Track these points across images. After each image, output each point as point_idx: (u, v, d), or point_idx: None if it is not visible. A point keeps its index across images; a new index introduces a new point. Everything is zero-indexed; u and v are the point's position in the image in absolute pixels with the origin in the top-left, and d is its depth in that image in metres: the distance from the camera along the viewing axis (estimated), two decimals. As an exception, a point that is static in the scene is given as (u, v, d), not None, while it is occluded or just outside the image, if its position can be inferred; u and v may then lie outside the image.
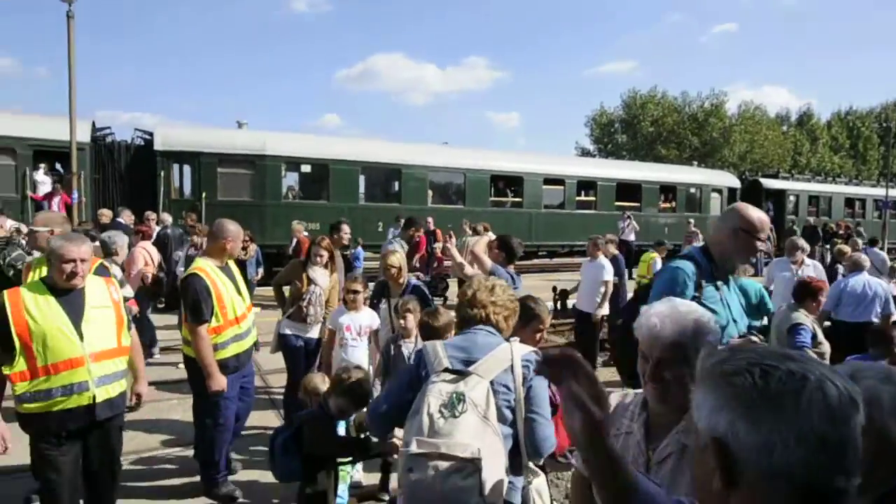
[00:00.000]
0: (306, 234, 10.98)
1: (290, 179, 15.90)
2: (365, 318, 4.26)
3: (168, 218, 10.79)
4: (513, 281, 4.55)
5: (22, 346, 2.67)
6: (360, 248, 13.08)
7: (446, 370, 2.00)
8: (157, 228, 9.64)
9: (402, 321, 3.67)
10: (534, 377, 2.02)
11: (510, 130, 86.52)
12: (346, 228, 5.76)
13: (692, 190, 20.98)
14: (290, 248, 11.33)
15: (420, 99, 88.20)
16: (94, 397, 2.79)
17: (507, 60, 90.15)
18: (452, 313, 3.09)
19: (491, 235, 6.33)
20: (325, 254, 4.95)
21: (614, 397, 1.64)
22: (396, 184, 16.38)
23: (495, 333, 2.15)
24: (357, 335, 4.16)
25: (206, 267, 3.62)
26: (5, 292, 2.76)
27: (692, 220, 16.69)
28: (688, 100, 40.23)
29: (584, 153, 42.41)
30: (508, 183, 18.13)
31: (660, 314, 1.53)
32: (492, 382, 1.97)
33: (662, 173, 21.12)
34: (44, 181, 12.19)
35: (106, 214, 10.25)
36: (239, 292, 3.76)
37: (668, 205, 20.51)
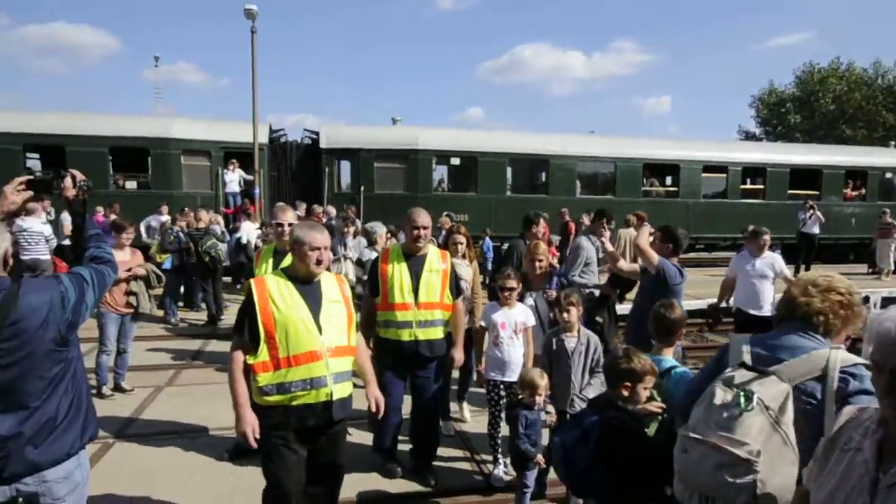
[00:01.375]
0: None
1: (440, 172, 16.47)
2: (519, 315, 4.09)
3: (332, 210, 11.72)
4: (680, 275, 4.29)
5: (266, 335, 2.64)
6: (488, 240, 13.17)
7: (743, 365, 1.92)
8: (324, 220, 10.52)
9: (564, 314, 3.60)
10: (857, 393, 1.78)
11: (660, 116, 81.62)
12: (542, 223, 5.62)
13: (888, 175, 18.16)
14: (438, 241, 11.74)
15: (564, 88, 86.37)
16: (331, 394, 2.72)
17: (658, 42, 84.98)
18: (682, 309, 3.00)
19: (647, 226, 5.95)
20: (464, 240, 4.80)
21: (849, 410, 1.47)
22: (544, 174, 16.22)
23: (814, 336, 1.96)
24: (513, 333, 4.02)
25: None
26: (252, 281, 2.78)
27: (887, 211, 14.46)
28: (880, 70, 34.79)
29: (749, 137, 38.55)
30: (663, 171, 17.10)
31: (894, 319, 1.34)
32: (795, 388, 1.83)
33: (848, 156, 18.49)
34: (231, 179, 13.84)
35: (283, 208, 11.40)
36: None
37: (855, 192, 17.96)
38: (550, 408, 3.55)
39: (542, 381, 3.42)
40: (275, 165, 14.86)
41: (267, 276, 2.80)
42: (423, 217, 3.81)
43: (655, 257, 4.09)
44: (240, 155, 14.13)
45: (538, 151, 15.68)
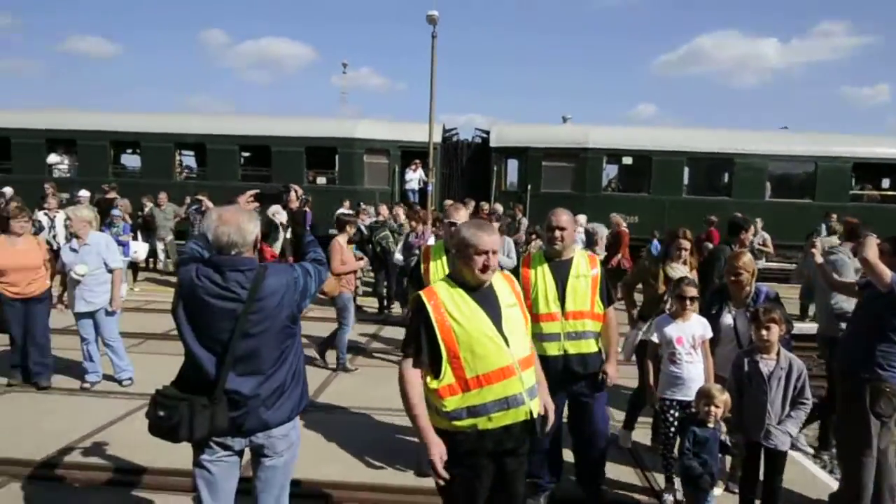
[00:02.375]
0: (626, 227, 10.83)
1: (611, 171, 15.90)
2: (697, 327, 3.70)
3: (500, 208, 11.91)
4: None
5: (449, 355, 2.31)
6: (657, 242, 12.27)
7: None
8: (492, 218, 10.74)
9: (762, 332, 3.25)
10: None
11: (875, 107, 69.89)
12: (752, 229, 5.24)
13: None
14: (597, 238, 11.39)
15: (751, 79, 77.98)
16: (530, 412, 2.39)
17: (877, 21, 72.72)
18: None
19: (873, 236, 5.11)
20: (688, 246, 4.33)
21: None
22: (727, 175, 14.87)
23: None
24: (692, 348, 3.67)
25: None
26: (422, 292, 2.44)
27: None
28: None
29: None
30: (879, 172, 14.71)
31: None
32: None
33: None
34: (412, 178, 14.71)
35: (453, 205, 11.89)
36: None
37: None
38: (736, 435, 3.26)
39: (720, 395, 3.15)
40: (446, 163, 15.49)
41: (437, 286, 2.46)
42: (562, 217, 3.43)
43: (888, 274, 3.48)
44: (415, 154, 14.97)
45: (722, 150, 14.41)
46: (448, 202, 4.25)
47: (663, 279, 4.31)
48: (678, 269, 4.28)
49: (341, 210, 12.49)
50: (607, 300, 3.51)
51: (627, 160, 15.35)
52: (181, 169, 15.94)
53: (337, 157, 15.24)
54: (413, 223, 8.23)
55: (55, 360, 5.86)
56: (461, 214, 3.87)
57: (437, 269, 3.89)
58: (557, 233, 3.39)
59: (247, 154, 16.49)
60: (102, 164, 14.93)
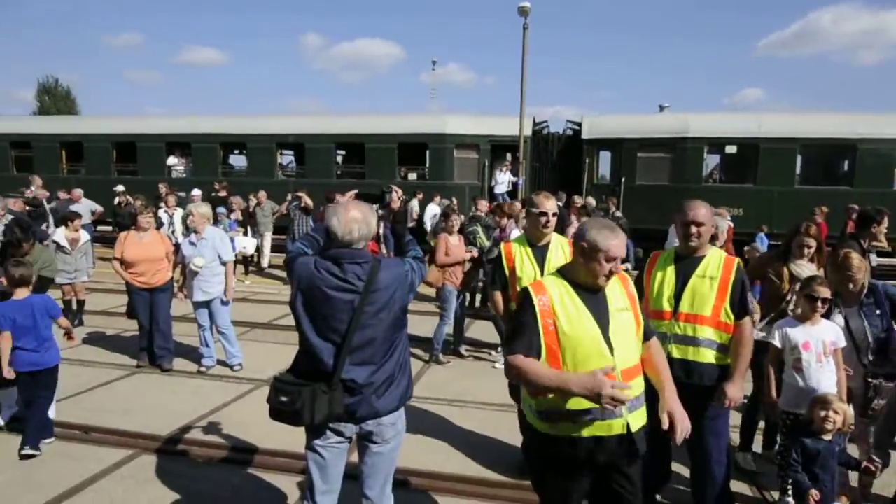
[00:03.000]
0: (729, 220, 10.17)
1: (713, 161, 15.00)
2: (829, 333, 3.37)
3: (592, 201, 11.58)
4: None
5: (548, 353, 2.20)
6: (763, 236, 11.37)
7: None
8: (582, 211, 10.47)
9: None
10: None
11: None
12: (885, 220, 4.68)
13: None
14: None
15: (874, 57, 70.57)
16: (627, 425, 2.23)
17: None
18: None
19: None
20: (814, 244, 4.00)
21: None
22: (846, 163, 13.57)
23: None
24: (821, 355, 3.33)
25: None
26: (530, 286, 2.31)
27: None
28: None
29: None
30: None
31: None
32: None
33: None
34: (502, 181, 14.56)
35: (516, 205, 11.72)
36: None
37: None
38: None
39: (838, 402, 2.86)
40: (536, 157, 15.28)
41: (547, 281, 2.33)
42: (700, 211, 3.01)
43: None
44: (505, 148, 14.87)
45: (842, 135, 13.14)
46: (540, 192, 3.80)
47: (788, 277, 3.93)
48: (806, 268, 3.91)
49: (431, 205, 12.69)
50: (741, 310, 2.99)
51: (731, 149, 14.40)
52: (282, 167, 16.82)
53: (427, 152, 15.47)
54: (497, 217, 8.19)
55: (176, 346, 6.40)
56: (551, 204, 3.61)
57: (524, 265, 3.57)
58: (693, 228, 3.00)
59: (342, 152, 17.11)
60: (213, 165, 16.08)
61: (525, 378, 2.21)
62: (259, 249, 12.42)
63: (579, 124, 15.09)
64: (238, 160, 18.10)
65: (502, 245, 3.74)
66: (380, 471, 2.58)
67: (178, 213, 11.86)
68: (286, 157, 17.59)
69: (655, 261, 3.24)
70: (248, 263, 12.00)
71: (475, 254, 6.56)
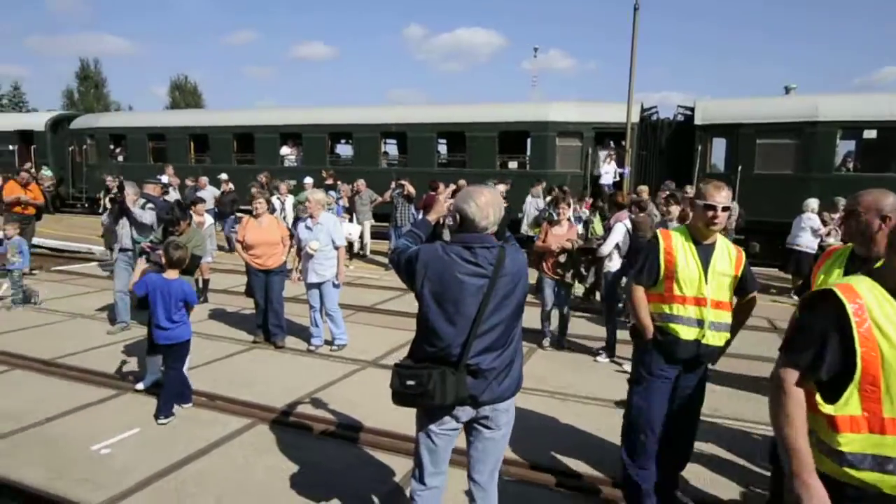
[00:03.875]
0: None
1: (846, 148, 13.56)
2: None
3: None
4: None
5: (863, 376, 1.69)
6: None
7: None
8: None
9: None
10: None
11: None
12: None
13: None
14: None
15: None
16: None
17: None
18: None
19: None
20: None
21: None
22: None
23: None
24: None
25: None
26: (837, 289, 1.76)
27: None
28: None
29: None
30: None
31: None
32: None
33: None
34: (607, 171, 14.07)
35: (644, 191, 11.14)
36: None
37: None
38: None
39: None
40: (643, 144, 14.59)
41: (860, 286, 1.76)
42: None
43: None
44: (610, 135, 14.32)
45: None
46: (711, 182, 3.17)
47: None
48: None
49: (530, 196, 12.52)
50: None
51: (870, 133, 12.92)
52: (386, 156, 17.31)
53: (529, 140, 15.26)
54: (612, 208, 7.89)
55: (288, 324, 6.81)
56: (722, 196, 3.10)
57: (687, 264, 3.11)
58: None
59: (443, 141, 17.29)
60: (321, 154, 16.87)
61: (779, 410, 1.79)
62: (360, 236, 12.87)
63: (691, 109, 14.21)
64: (345, 149, 18.87)
65: (660, 234, 3.26)
66: (490, 456, 2.58)
67: (290, 199, 12.58)
68: (390, 147, 18.07)
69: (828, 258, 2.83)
70: (351, 249, 12.49)
71: (567, 245, 6.32)
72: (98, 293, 8.88)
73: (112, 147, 20.21)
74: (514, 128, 15.05)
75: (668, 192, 7.91)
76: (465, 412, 2.47)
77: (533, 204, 12.16)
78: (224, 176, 14.75)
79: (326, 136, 16.99)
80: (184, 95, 52.03)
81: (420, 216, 3.18)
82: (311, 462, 3.87)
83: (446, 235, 6.80)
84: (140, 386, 5.06)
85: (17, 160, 20.30)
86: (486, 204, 2.44)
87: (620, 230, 6.22)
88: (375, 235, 15.19)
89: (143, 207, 6.88)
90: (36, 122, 22.14)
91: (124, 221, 6.92)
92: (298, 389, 5.13)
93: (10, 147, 21.34)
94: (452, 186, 5.09)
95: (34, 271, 10.40)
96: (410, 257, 2.48)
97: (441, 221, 3.19)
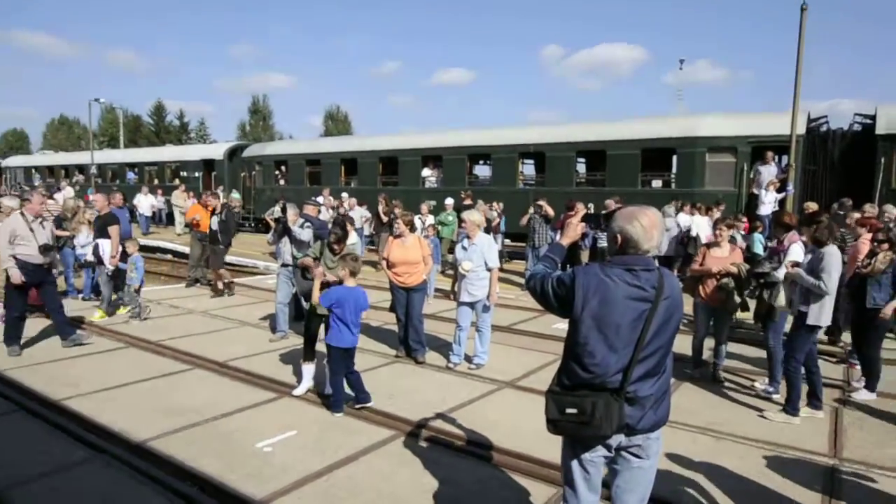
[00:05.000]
0: None
1: None
2: None
3: (892, 210, 9.48)
4: None
5: None
6: None
7: None
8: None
9: None
10: None
11: None
12: None
13: None
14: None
15: None
16: None
17: None
18: None
19: None
20: None
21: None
22: None
23: None
24: None
25: None
26: None
27: None
28: None
29: None
30: None
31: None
32: None
33: None
34: (769, 200, 12.30)
35: (812, 207, 9.97)
36: None
37: None
38: None
39: None
40: (811, 158, 13.12)
41: None
42: None
43: None
44: (769, 149, 13.08)
45: None
46: None
47: None
48: None
49: (680, 214, 11.78)
50: None
51: None
52: (523, 176, 17.36)
53: (675, 157, 14.44)
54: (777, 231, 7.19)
55: (429, 340, 7.02)
56: None
57: None
58: None
59: (582, 160, 16.96)
60: (461, 175, 17.35)
61: None
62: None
63: (871, 117, 12.55)
64: (482, 170, 19.24)
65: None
66: (640, 486, 2.45)
67: (430, 219, 13.06)
68: (527, 167, 18.10)
69: None
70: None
71: (733, 269, 5.83)
72: (262, 304, 9.84)
73: (276, 172, 22.50)
74: (659, 144, 14.34)
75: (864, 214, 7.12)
76: (616, 440, 2.37)
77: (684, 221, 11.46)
78: (345, 195, 15.76)
79: (465, 157, 17.45)
80: (335, 123, 56.66)
81: (556, 237, 3.13)
82: (450, 478, 3.92)
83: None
84: (296, 392, 5.50)
85: (202, 184, 23.47)
86: (651, 225, 2.36)
87: (797, 251, 5.56)
88: (512, 255, 15.25)
89: (301, 227, 7.54)
90: (216, 151, 25.52)
91: (286, 239, 7.63)
92: (438, 405, 5.24)
93: (196, 174, 24.82)
94: (582, 209, 4.89)
95: (230, 285, 11.81)
96: (562, 280, 2.44)
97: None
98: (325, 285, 5.25)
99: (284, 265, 7.73)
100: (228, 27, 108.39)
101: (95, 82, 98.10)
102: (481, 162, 18.92)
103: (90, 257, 9.35)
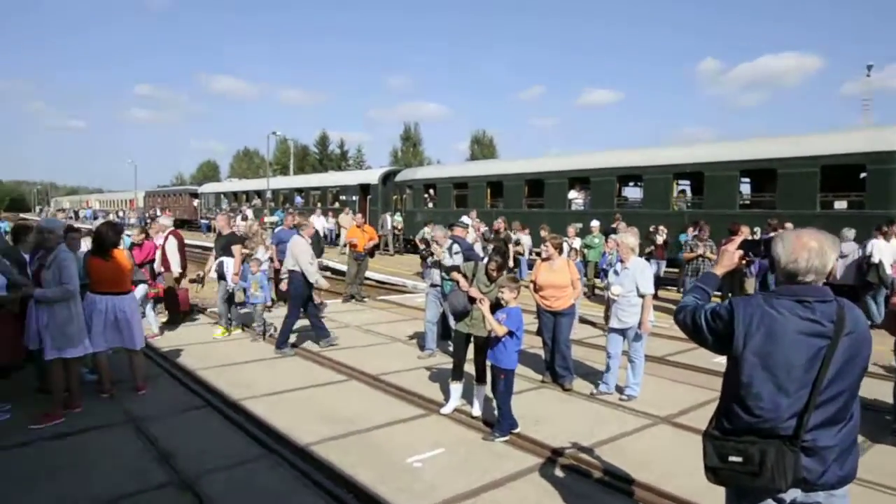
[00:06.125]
0: None
1: None
2: None
3: None
4: None
5: None
6: None
7: None
8: None
9: None
10: None
11: None
12: None
13: None
14: None
15: None
16: None
17: None
18: None
19: None
20: None
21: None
22: None
23: None
24: None
25: None
26: None
27: None
28: None
29: None
30: None
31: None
32: None
33: None
34: None
35: None
36: None
37: None
38: None
39: None
40: None
41: None
42: None
43: None
44: None
45: None
46: None
47: None
48: None
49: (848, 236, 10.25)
50: None
51: None
52: (678, 197, 16.32)
53: (865, 175, 12.64)
54: None
55: (577, 367, 6.79)
56: None
57: None
58: None
59: (746, 179, 15.56)
60: (609, 197, 16.77)
61: None
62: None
63: None
64: (633, 192, 18.44)
65: None
66: None
67: (577, 242, 12.75)
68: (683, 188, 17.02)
69: None
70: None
71: None
72: (411, 321, 10.25)
73: (425, 195, 23.54)
74: (844, 160, 12.65)
75: None
76: (791, 495, 2.07)
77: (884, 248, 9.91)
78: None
79: (615, 178, 16.86)
80: (481, 148, 58.03)
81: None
82: (601, 516, 3.71)
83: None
84: (444, 410, 5.60)
85: (358, 207, 25.33)
86: (822, 251, 2.08)
87: None
88: (665, 282, 14.33)
89: (450, 248, 7.75)
90: (371, 177, 27.45)
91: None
92: (587, 436, 5.02)
93: (354, 197, 26.85)
94: (746, 232, 4.49)
95: (364, 298, 12.59)
96: (718, 313, 2.19)
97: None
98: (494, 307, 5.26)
99: (433, 285, 7.99)
100: (383, 58, 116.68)
101: (271, 117, 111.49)
102: (631, 183, 18.15)
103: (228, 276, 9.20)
